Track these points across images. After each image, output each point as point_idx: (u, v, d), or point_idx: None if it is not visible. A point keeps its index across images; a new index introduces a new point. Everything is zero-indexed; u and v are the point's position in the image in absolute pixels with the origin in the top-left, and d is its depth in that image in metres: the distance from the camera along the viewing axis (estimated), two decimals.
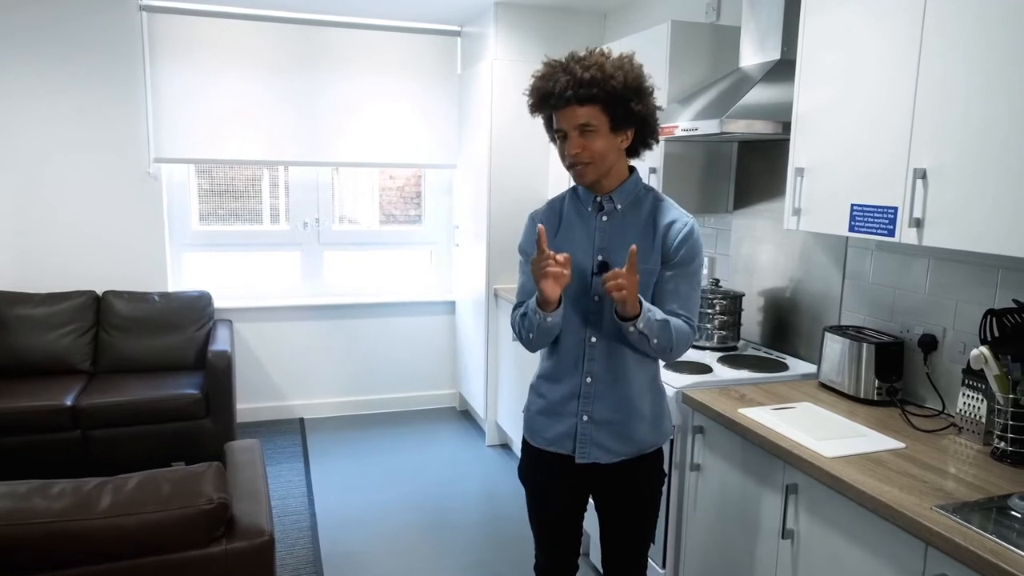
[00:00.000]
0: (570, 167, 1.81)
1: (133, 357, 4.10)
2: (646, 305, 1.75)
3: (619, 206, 1.87)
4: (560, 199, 1.97)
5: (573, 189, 1.95)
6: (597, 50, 1.80)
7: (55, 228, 4.23)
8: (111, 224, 4.32)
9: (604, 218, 1.87)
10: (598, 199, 1.88)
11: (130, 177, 4.32)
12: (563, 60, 1.78)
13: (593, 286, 1.85)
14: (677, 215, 1.87)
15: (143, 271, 4.41)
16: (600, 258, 1.85)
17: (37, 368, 3.94)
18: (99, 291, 4.30)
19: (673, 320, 1.81)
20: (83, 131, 4.20)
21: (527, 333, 1.86)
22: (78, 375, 3.97)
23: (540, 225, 1.73)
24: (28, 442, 3.52)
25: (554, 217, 1.94)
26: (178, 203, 4.58)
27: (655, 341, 1.77)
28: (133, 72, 4.23)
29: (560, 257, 1.70)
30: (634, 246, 1.68)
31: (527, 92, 1.84)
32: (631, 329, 1.74)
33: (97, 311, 4.15)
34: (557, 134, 1.81)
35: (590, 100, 1.73)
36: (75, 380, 3.87)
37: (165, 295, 4.28)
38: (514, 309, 1.96)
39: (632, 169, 1.90)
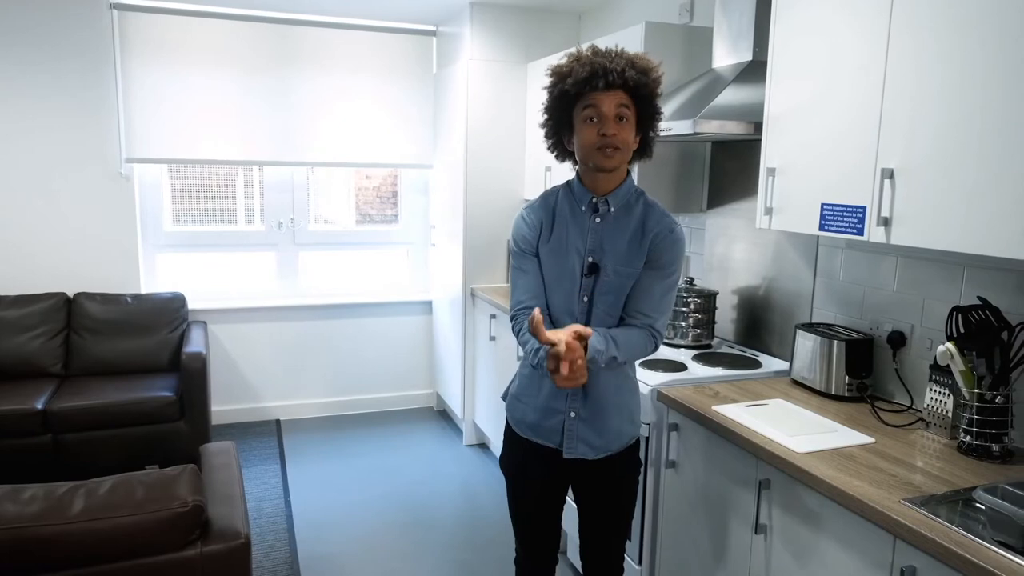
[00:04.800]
0: (599, 148, 1.78)
1: (105, 360, 4.05)
2: (592, 351, 1.73)
3: (612, 209, 1.88)
4: (553, 194, 1.97)
5: (567, 185, 1.96)
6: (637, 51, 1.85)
7: (25, 229, 4.17)
8: (82, 225, 4.26)
9: (597, 220, 1.89)
10: (593, 200, 1.89)
11: (102, 177, 4.26)
12: (608, 48, 1.82)
13: (583, 286, 1.87)
14: (665, 222, 1.88)
15: (115, 272, 4.36)
16: (591, 260, 1.87)
17: (7, 371, 3.88)
18: (70, 293, 4.24)
19: (620, 335, 1.82)
20: (53, 131, 4.14)
21: (536, 360, 1.84)
22: (49, 378, 3.91)
23: (538, 317, 1.63)
24: None
25: (548, 214, 1.94)
26: (151, 203, 4.52)
27: (613, 361, 1.80)
28: (104, 71, 4.18)
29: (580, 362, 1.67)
30: (582, 330, 1.69)
31: (571, 64, 1.80)
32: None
33: (68, 313, 4.10)
34: (587, 113, 1.78)
35: (635, 91, 1.78)
36: (46, 383, 3.81)
37: (138, 297, 4.23)
38: (517, 312, 1.92)
39: (628, 172, 1.93)
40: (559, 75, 1.82)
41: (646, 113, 1.83)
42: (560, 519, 2.10)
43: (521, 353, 2.01)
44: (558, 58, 1.84)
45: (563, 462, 1.96)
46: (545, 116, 1.90)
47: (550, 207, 1.94)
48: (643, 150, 1.90)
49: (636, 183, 3.04)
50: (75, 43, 4.11)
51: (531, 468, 2.01)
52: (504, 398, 2.09)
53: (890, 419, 2.17)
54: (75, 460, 3.61)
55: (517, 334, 1.91)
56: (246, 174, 4.76)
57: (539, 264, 1.92)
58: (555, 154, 1.94)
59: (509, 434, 2.05)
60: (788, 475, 1.88)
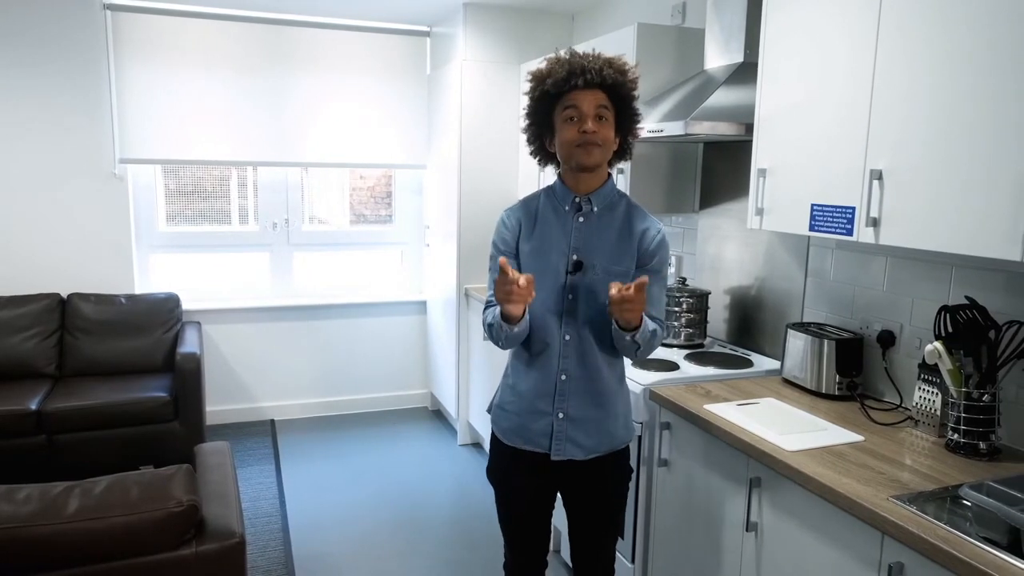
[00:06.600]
0: (579, 145, 1.82)
1: (100, 360, 4.04)
2: (644, 318, 1.81)
3: (595, 208, 1.92)
4: (535, 198, 2.00)
5: (549, 188, 1.99)
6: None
7: (19, 230, 4.16)
8: (76, 226, 4.26)
9: (581, 219, 1.91)
10: (576, 199, 1.92)
11: (95, 178, 4.26)
12: (585, 51, 1.86)
13: (567, 285, 1.89)
14: (652, 222, 1.94)
15: (109, 273, 4.36)
16: (575, 258, 1.89)
17: (0, 372, 3.87)
18: (64, 293, 4.24)
19: (655, 327, 1.89)
20: (47, 132, 4.13)
21: (496, 340, 1.89)
22: (43, 379, 3.91)
23: (502, 258, 1.73)
24: None
25: (529, 216, 1.97)
26: (145, 204, 4.52)
27: (640, 349, 1.85)
28: (97, 71, 4.17)
29: (523, 280, 1.72)
30: (645, 277, 1.71)
31: (549, 66, 1.84)
32: (627, 338, 1.81)
33: (62, 314, 4.09)
34: (567, 112, 1.83)
35: (613, 90, 1.82)
36: (40, 384, 3.81)
37: (132, 297, 4.23)
38: (485, 308, 1.98)
39: (609, 174, 1.96)
40: (538, 78, 1.86)
41: (625, 114, 1.88)
42: (550, 523, 2.10)
43: (509, 356, 2.02)
44: (539, 63, 1.89)
45: (551, 467, 1.95)
46: (527, 121, 1.94)
47: (531, 209, 1.98)
48: (622, 152, 1.95)
49: (629, 183, 3.09)
50: (68, 44, 4.10)
51: (519, 475, 2.00)
52: (489, 411, 2.09)
53: (879, 417, 2.19)
54: (70, 460, 3.60)
55: (484, 325, 1.93)
56: (240, 174, 4.76)
57: (518, 265, 1.95)
58: (538, 159, 1.98)
59: (495, 444, 2.05)
60: (778, 473, 1.90)
